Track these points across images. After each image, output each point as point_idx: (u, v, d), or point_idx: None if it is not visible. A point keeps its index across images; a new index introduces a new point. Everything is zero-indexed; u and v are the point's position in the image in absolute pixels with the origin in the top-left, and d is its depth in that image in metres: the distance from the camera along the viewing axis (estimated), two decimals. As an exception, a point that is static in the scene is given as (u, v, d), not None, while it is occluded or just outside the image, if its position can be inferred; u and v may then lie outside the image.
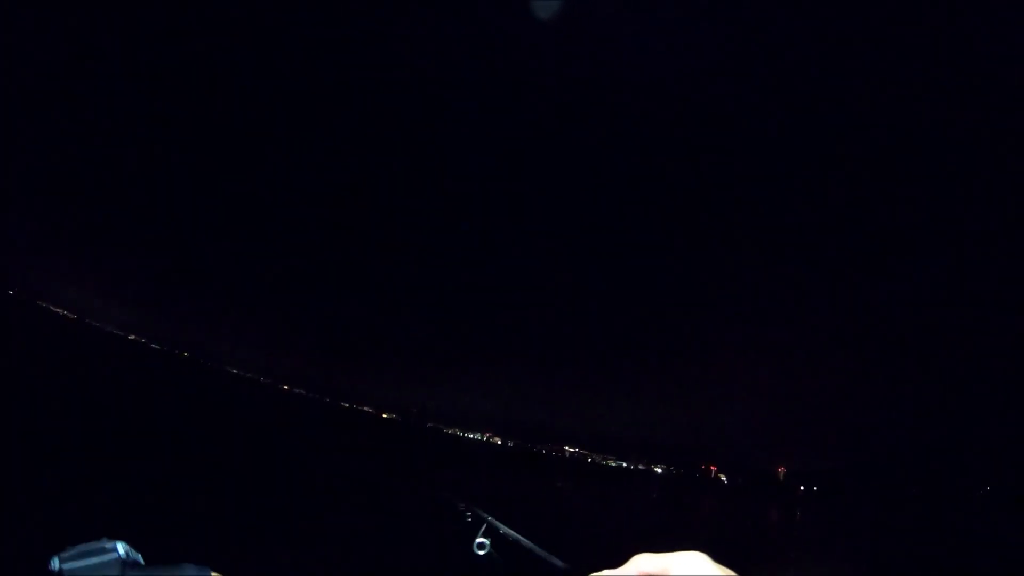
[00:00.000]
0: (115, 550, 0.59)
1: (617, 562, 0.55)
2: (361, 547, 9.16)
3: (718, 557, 0.52)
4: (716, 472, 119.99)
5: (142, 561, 0.61)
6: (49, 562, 0.58)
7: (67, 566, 0.57)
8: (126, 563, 0.58)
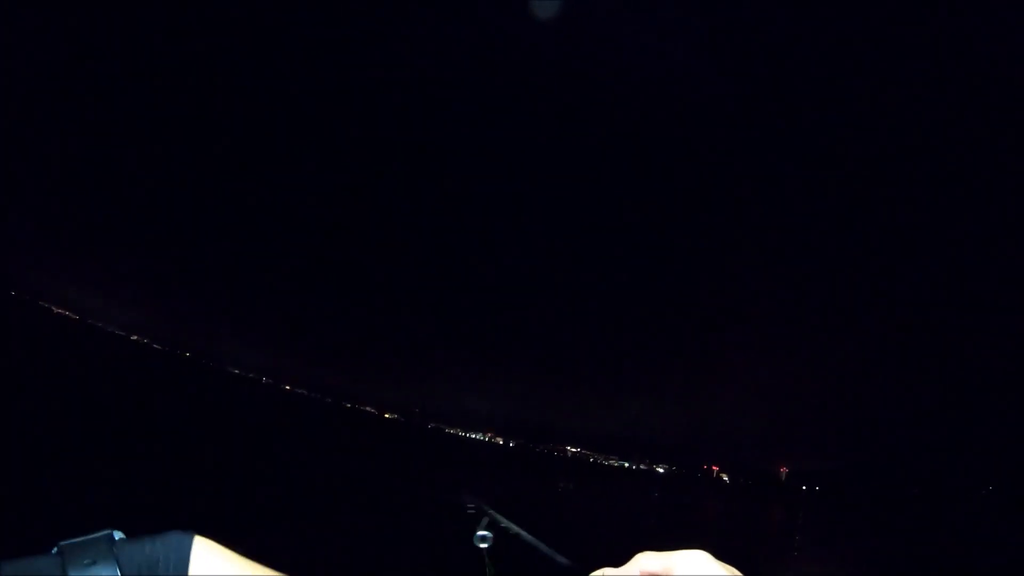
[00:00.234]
0: (109, 532, 0.63)
1: (619, 561, 0.56)
2: (363, 546, 9.19)
3: (720, 556, 0.52)
4: (718, 472, 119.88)
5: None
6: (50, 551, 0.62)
7: (63, 542, 0.61)
8: (116, 540, 0.62)
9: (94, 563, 0.61)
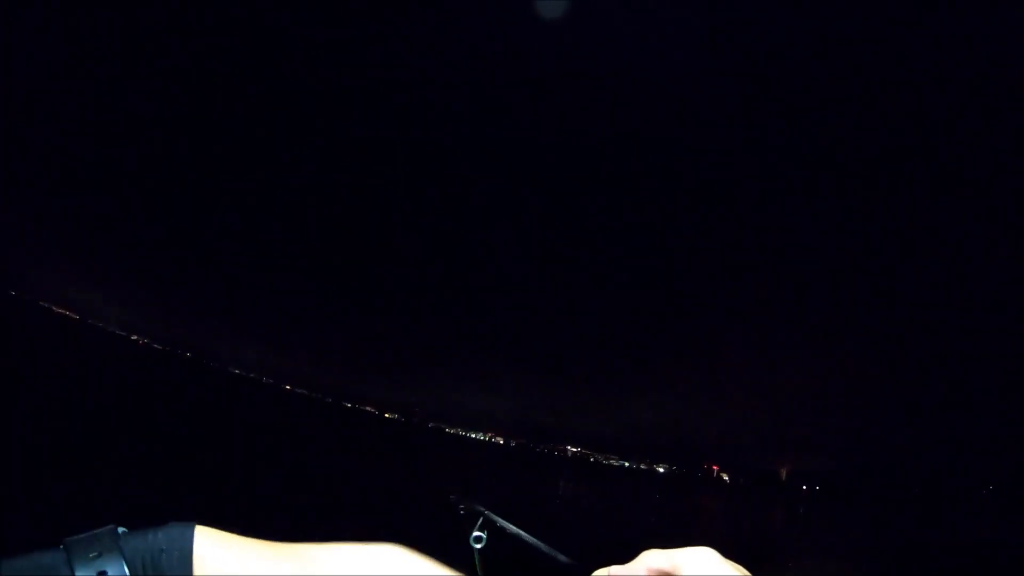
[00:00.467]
0: (112, 527, 0.63)
1: (622, 560, 0.55)
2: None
3: (721, 556, 0.52)
4: (719, 472, 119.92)
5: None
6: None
7: (69, 538, 0.62)
8: (119, 534, 0.63)
9: (99, 556, 0.61)
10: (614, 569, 0.56)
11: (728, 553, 0.55)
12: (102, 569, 0.60)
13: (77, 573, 0.60)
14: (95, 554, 0.61)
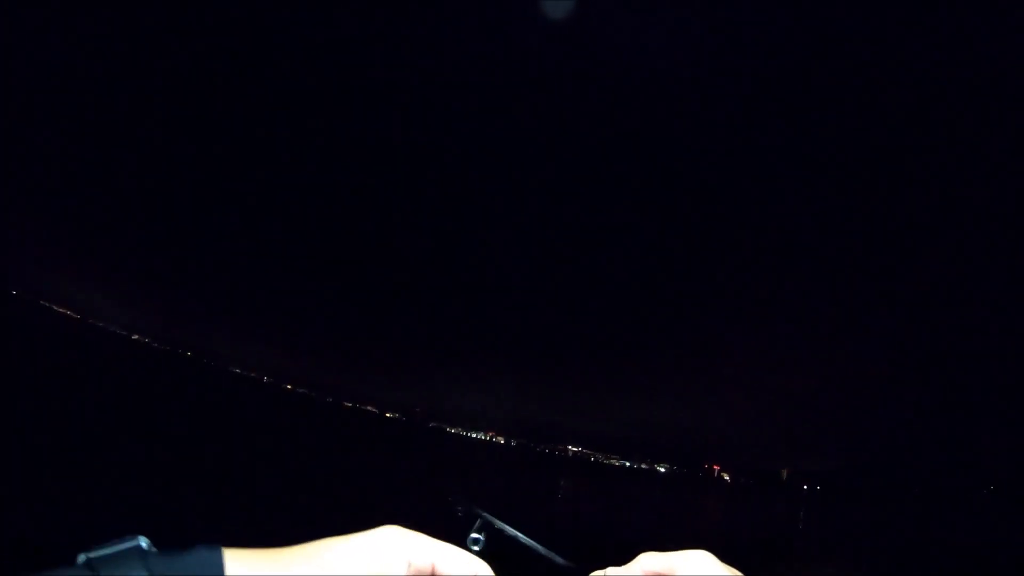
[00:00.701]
0: (136, 541, 0.61)
1: (621, 561, 0.55)
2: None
3: (721, 556, 0.52)
4: (719, 472, 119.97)
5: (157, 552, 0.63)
6: (76, 558, 0.59)
7: (94, 554, 0.59)
8: (147, 553, 0.60)
9: None
10: (611, 571, 0.56)
11: (728, 553, 0.54)
12: None
13: None
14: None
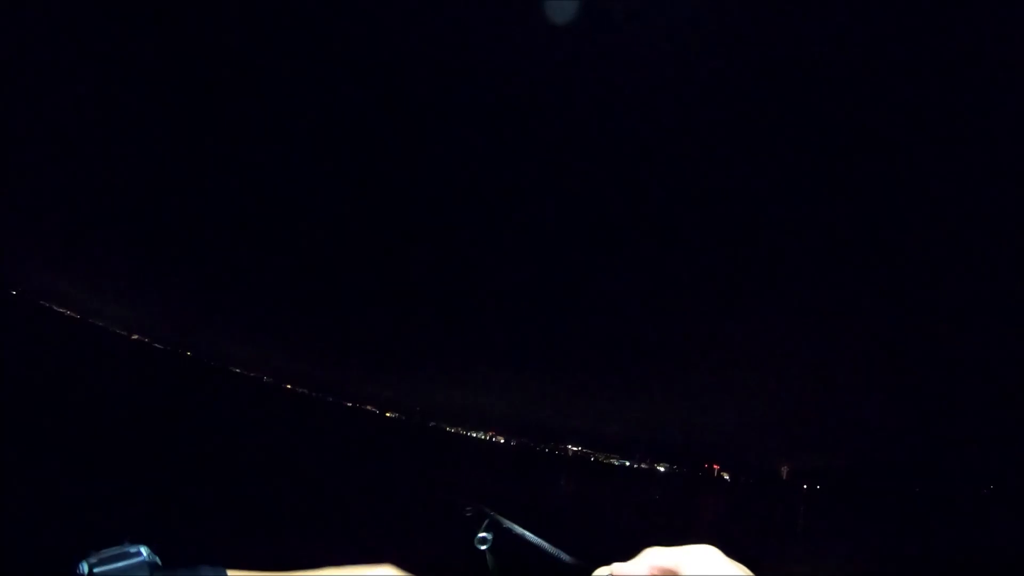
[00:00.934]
0: (140, 553, 0.58)
1: (624, 558, 0.55)
2: (366, 546, 9.20)
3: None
4: (719, 471, 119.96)
5: (160, 563, 0.61)
6: (77, 566, 0.57)
7: (98, 569, 0.56)
8: (152, 566, 0.58)
9: None
10: (616, 567, 0.55)
11: (728, 552, 0.54)
12: None
13: None
14: None
